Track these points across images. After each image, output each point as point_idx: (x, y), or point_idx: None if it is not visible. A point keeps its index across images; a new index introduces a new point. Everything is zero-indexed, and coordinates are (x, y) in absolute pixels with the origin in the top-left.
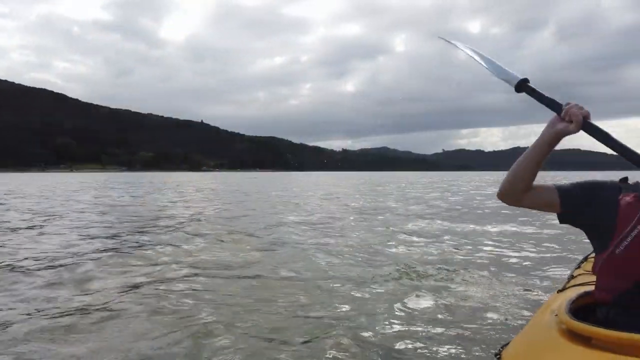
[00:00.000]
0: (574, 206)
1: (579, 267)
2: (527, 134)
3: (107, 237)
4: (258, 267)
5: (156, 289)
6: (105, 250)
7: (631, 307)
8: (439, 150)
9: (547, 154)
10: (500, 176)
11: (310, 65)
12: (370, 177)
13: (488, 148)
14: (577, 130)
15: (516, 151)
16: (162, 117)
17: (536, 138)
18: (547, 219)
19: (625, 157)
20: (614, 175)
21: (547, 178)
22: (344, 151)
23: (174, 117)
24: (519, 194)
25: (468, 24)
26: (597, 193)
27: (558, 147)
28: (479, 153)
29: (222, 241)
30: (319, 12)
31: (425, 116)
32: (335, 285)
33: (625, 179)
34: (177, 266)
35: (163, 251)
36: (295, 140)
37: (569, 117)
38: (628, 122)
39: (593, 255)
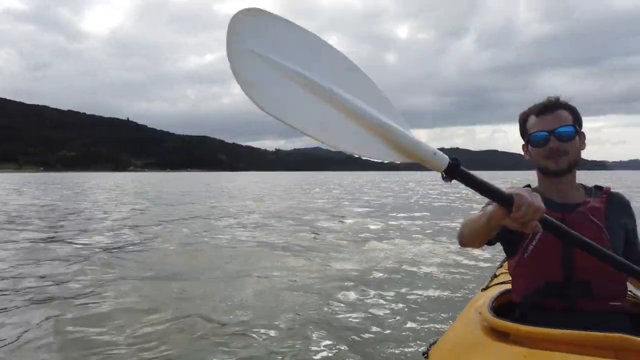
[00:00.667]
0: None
1: (501, 266)
2: (450, 136)
3: None
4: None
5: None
6: None
7: (543, 305)
8: None
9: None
10: (425, 176)
11: None
12: (301, 178)
13: None
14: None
15: (442, 152)
16: (85, 114)
17: (458, 141)
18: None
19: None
20: (525, 175)
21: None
22: (278, 151)
23: (97, 114)
24: (474, 246)
25: (397, 28)
26: None
27: (476, 148)
28: None
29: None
30: None
31: None
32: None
33: (527, 186)
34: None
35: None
36: (228, 139)
37: (522, 223)
38: None
39: None
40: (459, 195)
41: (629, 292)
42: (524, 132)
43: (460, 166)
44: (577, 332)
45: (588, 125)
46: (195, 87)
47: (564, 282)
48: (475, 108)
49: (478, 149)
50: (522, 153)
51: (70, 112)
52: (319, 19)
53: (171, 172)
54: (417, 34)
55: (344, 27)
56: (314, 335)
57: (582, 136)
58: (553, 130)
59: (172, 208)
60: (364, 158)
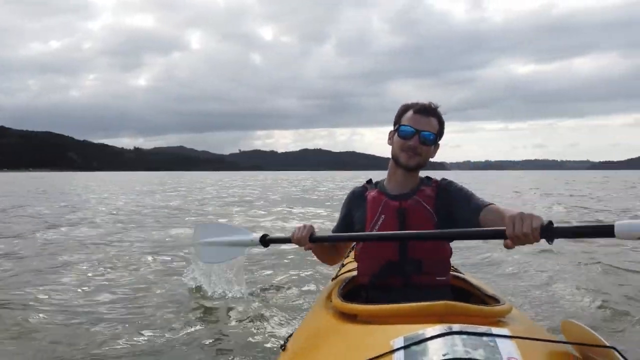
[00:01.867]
0: (345, 230)
1: (348, 255)
2: (313, 137)
3: None
4: None
5: None
6: None
7: (385, 284)
8: (236, 151)
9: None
10: (290, 175)
11: (95, 54)
12: (161, 177)
13: (281, 149)
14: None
15: (305, 152)
16: None
17: (320, 142)
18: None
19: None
20: (377, 174)
21: (338, 177)
22: (137, 150)
23: None
24: (331, 261)
25: (261, 29)
26: (351, 200)
27: (337, 149)
28: (273, 154)
29: None
30: None
31: (222, 116)
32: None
33: (370, 180)
34: None
35: None
36: (79, 136)
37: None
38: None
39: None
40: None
41: (452, 267)
42: (397, 120)
43: (266, 237)
44: (408, 304)
45: None
46: (38, 77)
47: (401, 260)
48: (336, 111)
49: (338, 150)
50: (377, 154)
51: None
52: (183, 13)
53: (7, 172)
54: (281, 36)
55: (208, 24)
56: (161, 338)
57: (437, 146)
58: (420, 131)
59: None
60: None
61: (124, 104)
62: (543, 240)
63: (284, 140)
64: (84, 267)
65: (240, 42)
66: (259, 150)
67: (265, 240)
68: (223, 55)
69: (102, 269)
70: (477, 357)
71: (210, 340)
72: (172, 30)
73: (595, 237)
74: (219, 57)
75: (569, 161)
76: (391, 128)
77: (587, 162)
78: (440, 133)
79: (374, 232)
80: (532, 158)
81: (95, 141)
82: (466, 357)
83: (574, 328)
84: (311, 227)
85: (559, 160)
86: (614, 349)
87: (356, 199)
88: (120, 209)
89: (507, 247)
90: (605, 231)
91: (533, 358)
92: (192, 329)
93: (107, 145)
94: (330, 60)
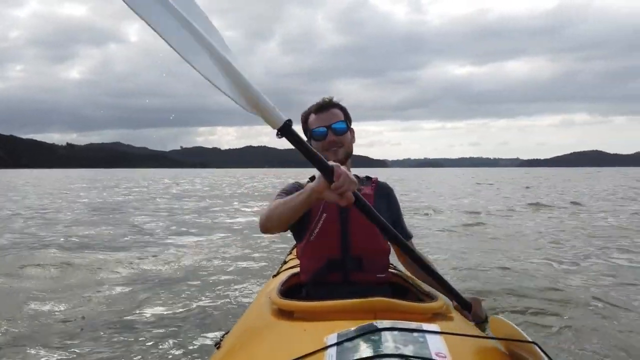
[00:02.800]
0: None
1: (290, 253)
2: (257, 134)
3: None
4: None
5: None
6: None
7: (325, 281)
8: (177, 147)
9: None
10: (235, 172)
11: (22, 44)
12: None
13: (224, 146)
14: (347, 205)
15: (249, 149)
16: None
17: (265, 139)
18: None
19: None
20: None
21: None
22: (70, 146)
23: None
24: (281, 229)
25: None
26: (291, 191)
27: (281, 146)
28: (216, 150)
29: None
30: None
31: (162, 112)
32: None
33: (313, 177)
34: None
35: None
36: (4, 131)
37: (341, 193)
38: None
39: None
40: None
41: (390, 265)
42: (306, 129)
43: (291, 127)
44: (344, 301)
45: (373, 128)
46: None
47: (342, 258)
48: (281, 108)
49: (284, 148)
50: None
51: None
52: (120, 2)
53: None
54: (226, 31)
55: None
56: (100, 339)
57: (352, 131)
58: (330, 126)
59: None
60: (219, 91)
61: (55, 97)
62: None
63: (227, 137)
64: None
65: None
66: (202, 147)
67: (287, 128)
68: (163, 49)
69: None
70: (407, 353)
71: (143, 339)
72: (107, 21)
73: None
74: (158, 50)
75: (501, 159)
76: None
77: (517, 159)
78: (347, 118)
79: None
80: (468, 156)
81: (23, 136)
82: (396, 352)
83: (501, 324)
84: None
85: (492, 157)
86: (536, 344)
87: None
88: None
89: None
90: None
91: (460, 353)
92: (126, 329)
93: (36, 141)
94: (275, 57)
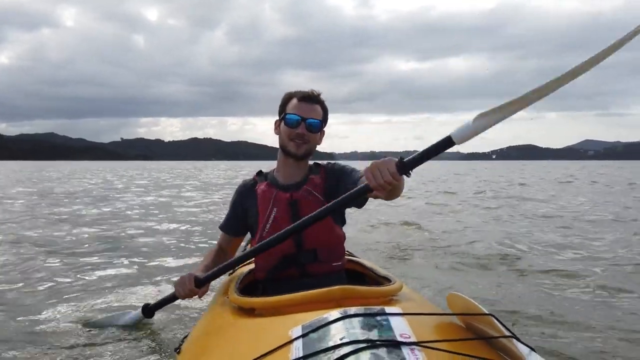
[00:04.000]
0: (237, 225)
1: (245, 249)
2: (203, 125)
3: None
4: None
5: None
6: None
7: (282, 275)
8: (118, 139)
9: None
10: (180, 165)
11: None
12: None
13: (167, 138)
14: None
15: (194, 141)
16: None
17: (211, 131)
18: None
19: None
20: (270, 164)
21: (221, 166)
22: None
23: None
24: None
25: (146, 10)
26: (241, 194)
27: (228, 138)
28: (159, 142)
29: None
30: None
31: (101, 102)
32: None
33: (260, 172)
34: None
35: None
36: None
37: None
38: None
39: None
40: None
41: (346, 252)
42: (282, 109)
43: (150, 305)
44: (305, 292)
45: None
46: None
47: (296, 252)
48: (226, 99)
49: (230, 140)
50: (269, 144)
51: None
52: None
53: None
54: (168, 19)
55: (84, 0)
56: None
57: (323, 133)
58: (306, 119)
59: None
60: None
61: None
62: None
63: (171, 129)
64: None
65: (121, 21)
66: (144, 139)
67: (148, 310)
68: (102, 35)
69: None
70: (372, 337)
71: (99, 348)
72: (40, 4)
73: (441, 151)
74: (97, 36)
75: (444, 152)
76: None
77: (458, 153)
78: (325, 119)
79: (263, 242)
80: (412, 149)
81: None
82: (362, 338)
83: (458, 300)
84: (190, 274)
85: None
86: (493, 316)
87: (246, 192)
88: None
89: (377, 197)
90: (446, 143)
91: (423, 332)
92: (74, 336)
93: None
94: (220, 47)
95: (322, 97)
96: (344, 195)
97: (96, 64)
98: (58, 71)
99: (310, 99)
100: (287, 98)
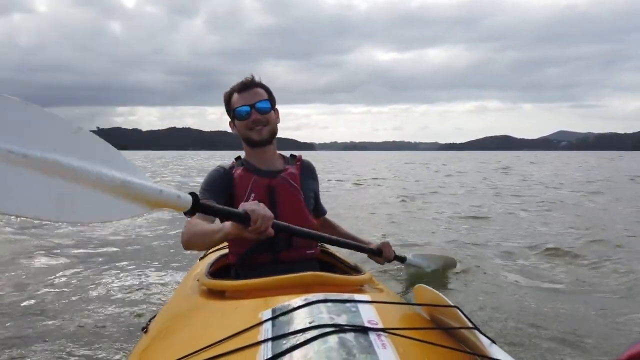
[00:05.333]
0: (214, 199)
1: None
2: (182, 115)
3: None
4: None
5: None
6: None
7: (255, 260)
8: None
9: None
10: (157, 155)
11: None
12: None
13: (145, 127)
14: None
15: (173, 131)
16: None
17: (190, 121)
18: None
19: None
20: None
21: (201, 154)
22: None
23: None
24: (203, 250)
25: None
26: (219, 176)
27: (208, 128)
28: (137, 132)
29: None
30: None
31: (75, 89)
32: None
33: (238, 157)
34: None
35: None
36: None
37: (259, 232)
38: None
39: None
40: None
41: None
42: (229, 109)
43: (199, 200)
44: (277, 277)
45: (300, 111)
46: None
47: (272, 238)
48: (205, 89)
49: (209, 130)
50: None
51: None
52: None
53: None
54: (145, 6)
55: None
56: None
57: (277, 111)
58: (254, 104)
59: None
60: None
61: None
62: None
63: (149, 118)
64: None
65: (96, 7)
66: (120, 128)
67: (195, 204)
68: (76, 22)
69: None
70: (341, 322)
71: (62, 328)
72: None
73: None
74: (71, 23)
75: (421, 143)
76: None
77: (436, 143)
78: (272, 98)
79: None
80: (391, 140)
81: None
82: (330, 322)
83: (425, 292)
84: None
85: (413, 141)
86: (457, 307)
87: (224, 175)
88: None
89: (379, 262)
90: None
91: (390, 319)
92: (38, 315)
93: None
94: (199, 35)
95: (262, 80)
96: (356, 243)
97: (70, 51)
98: (29, 58)
99: (248, 85)
100: (228, 96)
